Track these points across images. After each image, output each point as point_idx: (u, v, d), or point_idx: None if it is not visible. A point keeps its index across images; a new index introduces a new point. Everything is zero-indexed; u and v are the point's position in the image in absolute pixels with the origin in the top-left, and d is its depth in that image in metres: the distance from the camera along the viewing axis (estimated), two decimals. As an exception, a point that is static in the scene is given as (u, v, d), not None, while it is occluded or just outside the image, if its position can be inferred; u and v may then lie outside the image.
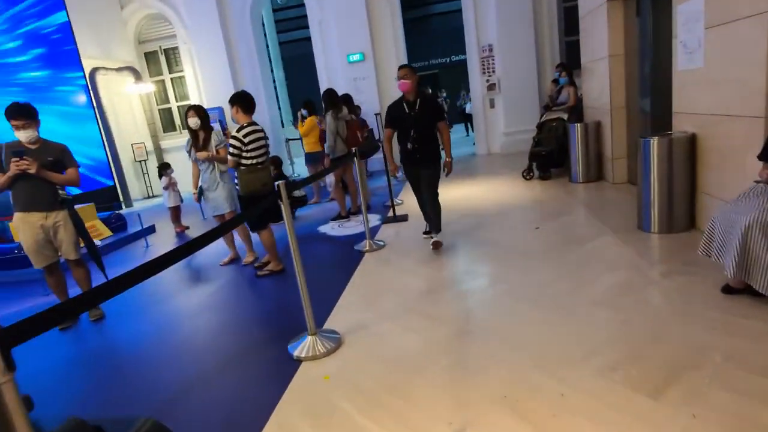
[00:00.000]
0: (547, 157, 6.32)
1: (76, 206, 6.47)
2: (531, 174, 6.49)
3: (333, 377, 2.35)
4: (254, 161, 3.93)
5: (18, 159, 3.22)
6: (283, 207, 2.55)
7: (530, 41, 8.79)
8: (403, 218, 5.38)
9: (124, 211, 9.26)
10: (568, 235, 4.05)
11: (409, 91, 3.78)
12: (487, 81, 9.20)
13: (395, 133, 4.03)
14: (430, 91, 12.56)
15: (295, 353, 2.60)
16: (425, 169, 3.92)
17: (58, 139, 3.62)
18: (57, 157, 3.47)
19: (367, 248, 4.40)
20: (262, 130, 4.04)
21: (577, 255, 3.51)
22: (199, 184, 4.81)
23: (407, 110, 3.81)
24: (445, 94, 15.11)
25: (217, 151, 4.35)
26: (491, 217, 4.97)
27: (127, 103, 10.81)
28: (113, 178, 9.73)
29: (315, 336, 2.67)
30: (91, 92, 9.33)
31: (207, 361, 2.78)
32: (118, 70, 10.25)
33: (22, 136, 3.33)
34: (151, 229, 7.02)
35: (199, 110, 4.47)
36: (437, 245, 3.99)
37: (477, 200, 5.82)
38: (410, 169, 4.03)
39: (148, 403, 2.42)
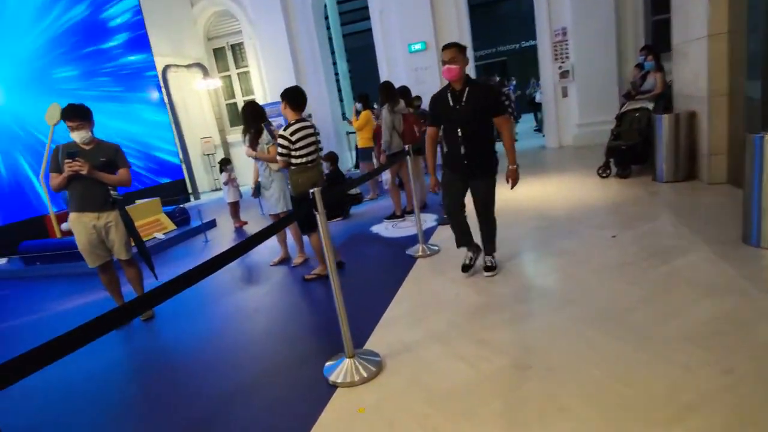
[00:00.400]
0: (627, 152, 5.62)
1: (142, 201, 6.79)
2: (608, 171, 5.82)
3: (369, 411, 2.10)
4: (304, 160, 3.73)
5: (71, 160, 3.26)
6: (318, 217, 2.31)
7: (610, 22, 7.93)
8: (461, 219, 5.00)
9: (191, 204, 9.63)
10: (652, 246, 3.48)
11: (455, 78, 2.97)
12: (560, 68, 8.45)
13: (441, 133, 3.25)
14: (497, 79, 11.83)
15: (331, 377, 2.37)
16: (479, 182, 3.13)
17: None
18: (110, 157, 3.48)
19: (420, 253, 4.10)
20: (311, 127, 3.83)
21: (664, 273, 2.98)
22: (259, 179, 4.76)
23: (452, 103, 3.01)
24: (514, 83, 14.17)
25: (268, 150, 4.23)
26: (560, 221, 4.46)
27: (197, 98, 11.22)
28: (183, 171, 10.16)
29: (353, 359, 2.43)
30: (164, 89, 9.76)
31: (241, 375, 2.62)
32: (188, 66, 10.63)
33: (77, 136, 3.37)
34: (212, 224, 7.17)
35: (243, 108, 4.41)
36: (490, 269, 3.35)
37: (544, 200, 5.29)
38: (454, 178, 3.18)
39: (174, 420, 2.31)
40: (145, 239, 6.17)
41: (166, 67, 9.96)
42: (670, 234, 3.70)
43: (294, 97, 3.77)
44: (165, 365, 2.99)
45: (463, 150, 3.05)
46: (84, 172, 3.29)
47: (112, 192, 3.51)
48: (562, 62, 8.42)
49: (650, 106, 5.64)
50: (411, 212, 5.60)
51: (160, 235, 6.37)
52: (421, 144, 5.66)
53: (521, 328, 2.58)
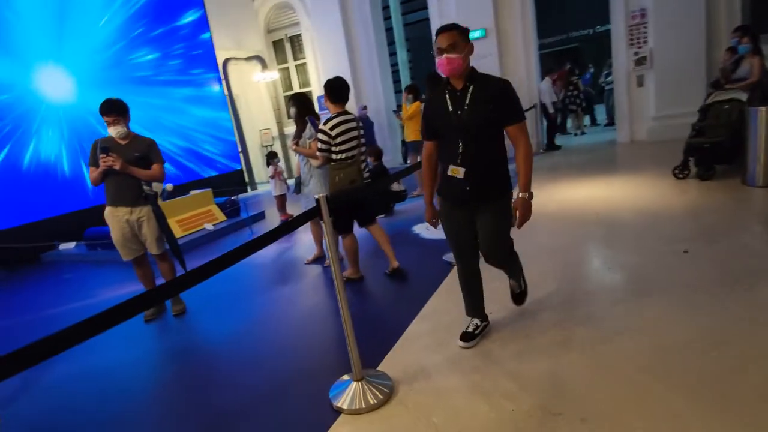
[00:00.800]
0: (710, 151, 4.88)
1: (196, 191, 6.97)
2: (686, 172, 5.10)
3: (367, 448, 1.86)
4: (343, 156, 3.52)
5: (104, 155, 3.28)
6: (324, 226, 2.09)
7: (699, 0, 6.99)
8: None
9: (246, 195, 9.85)
10: (735, 267, 2.90)
11: (456, 72, 2.15)
12: (635, 54, 7.60)
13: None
14: (568, 67, 10.88)
15: (335, 401, 2.16)
16: (485, 212, 2.26)
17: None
18: (143, 152, 3.48)
19: (458, 259, 3.77)
20: (353, 120, 3.59)
21: (747, 303, 2.45)
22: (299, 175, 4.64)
23: (450, 107, 2.20)
24: (591, 71, 12.71)
25: (309, 145, 4.07)
26: (623, 230, 3.93)
27: (256, 90, 11.44)
28: (241, 162, 10.42)
29: (361, 382, 2.20)
30: (224, 81, 10.01)
31: (247, 387, 2.47)
32: (248, 59, 10.83)
33: (113, 131, 3.39)
34: (261, 216, 7.24)
35: (295, 99, 4.21)
36: (519, 297, 2.72)
37: (607, 203, 4.73)
38: (454, 212, 2.34)
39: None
40: (194, 230, 6.39)
41: (227, 61, 10.19)
42: (759, 252, 3.09)
43: (333, 90, 3.55)
44: (176, 369, 2.92)
45: (466, 170, 2.21)
46: (117, 167, 3.30)
47: (145, 187, 3.51)
48: (639, 47, 7.57)
49: (743, 96, 4.85)
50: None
51: (209, 226, 6.50)
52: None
53: (558, 361, 2.21)
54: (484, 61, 8.60)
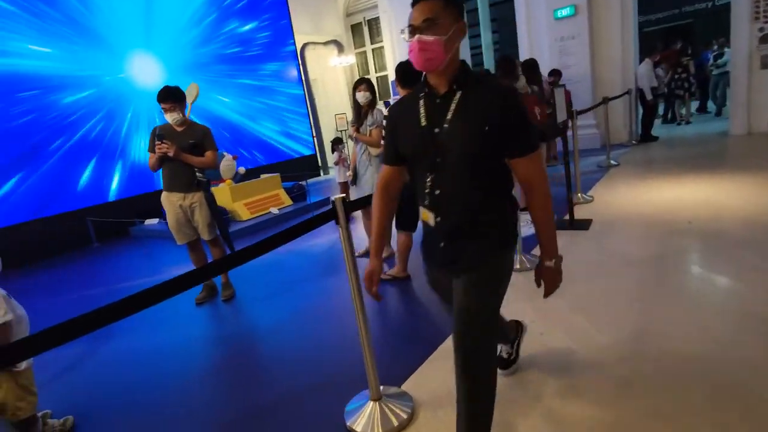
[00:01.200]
0: None
1: (267, 175, 7.14)
2: (816, 174, 4.20)
3: (371, 483, 1.67)
4: None
5: (160, 142, 3.37)
6: (340, 230, 1.90)
7: None
8: (583, 225, 4.08)
9: (316, 179, 9.99)
10: None
11: (435, 65, 1.38)
12: (760, 30, 6.41)
13: (405, 177, 1.68)
14: (679, 46, 9.47)
15: (350, 422, 1.99)
16: (463, 281, 1.47)
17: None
18: (198, 139, 3.53)
19: (517, 266, 3.40)
20: None
21: None
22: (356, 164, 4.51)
23: (424, 120, 1.44)
24: (715, 47, 10.28)
25: (370, 132, 3.90)
26: (723, 242, 3.30)
27: (333, 74, 11.49)
28: (315, 146, 10.59)
29: (378, 402, 2.00)
30: (301, 66, 10.17)
31: (266, 387, 2.39)
32: (325, 44, 10.88)
33: (170, 118, 3.47)
34: (326, 202, 7.25)
35: (370, 84, 4.00)
36: None
37: (707, 208, 4.02)
38: (436, 273, 1.72)
39: None
40: (260, 213, 6.56)
41: (305, 45, 10.31)
42: None
43: (405, 73, 3.27)
44: (204, 358, 2.94)
45: (439, 219, 1.48)
46: (171, 154, 3.37)
47: (198, 174, 3.56)
48: (766, 22, 6.37)
49: None
50: (525, 209, 4.80)
51: (275, 210, 6.65)
52: (544, 127, 4.73)
53: (611, 407, 1.83)
54: (572, 42, 7.83)
